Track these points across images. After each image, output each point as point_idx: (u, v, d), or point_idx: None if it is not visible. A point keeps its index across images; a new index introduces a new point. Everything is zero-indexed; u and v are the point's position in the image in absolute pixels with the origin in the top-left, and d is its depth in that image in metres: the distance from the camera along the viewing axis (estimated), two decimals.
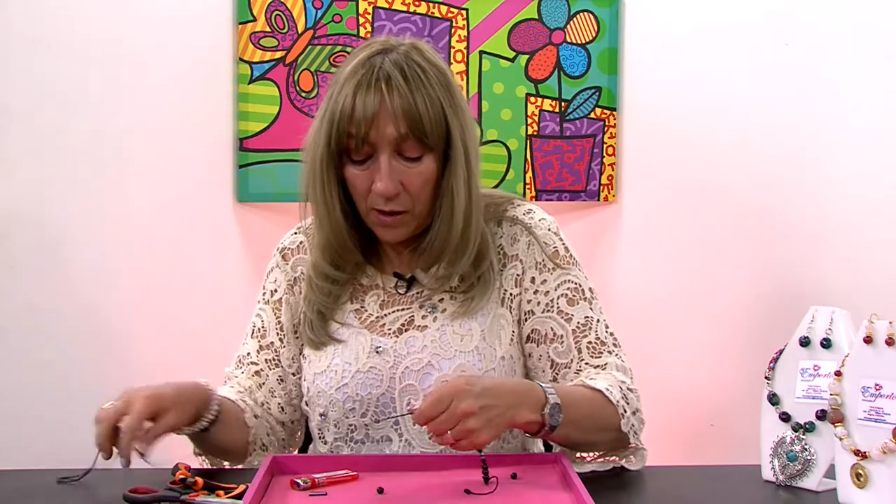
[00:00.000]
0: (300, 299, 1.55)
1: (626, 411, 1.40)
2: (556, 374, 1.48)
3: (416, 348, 1.46)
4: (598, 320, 1.49)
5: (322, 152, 1.41)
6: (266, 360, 1.54)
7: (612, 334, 1.50)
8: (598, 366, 1.46)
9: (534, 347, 1.49)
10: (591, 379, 1.42)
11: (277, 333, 1.55)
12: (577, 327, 1.48)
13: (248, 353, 1.56)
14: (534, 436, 1.38)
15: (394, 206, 1.41)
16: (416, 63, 1.40)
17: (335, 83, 1.42)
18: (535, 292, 1.49)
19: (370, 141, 1.38)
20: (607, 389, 1.39)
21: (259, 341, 1.55)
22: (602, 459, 1.44)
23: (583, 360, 1.47)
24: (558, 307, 1.48)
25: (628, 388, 1.43)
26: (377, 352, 1.47)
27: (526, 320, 1.50)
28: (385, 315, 1.50)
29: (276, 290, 1.57)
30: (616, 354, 1.48)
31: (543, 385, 1.34)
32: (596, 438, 1.41)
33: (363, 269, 1.53)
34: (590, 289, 1.51)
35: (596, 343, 1.47)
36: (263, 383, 1.54)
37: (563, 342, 1.47)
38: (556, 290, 1.49)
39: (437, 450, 1.40)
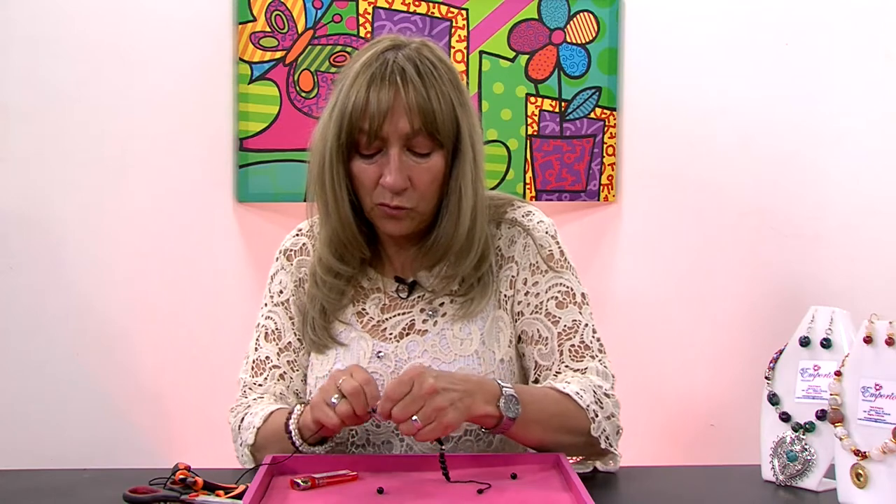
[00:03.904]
0: (305, 300, 1.54)
1: (597, 416, 1.39)
2: (538, 374, 1.47)
3: (416, 353, 1.46)
4: (585, 324, 1.48)
5: (332, 146, 1.40)
6: (288, 361, 1.53)
7: (598, 339, 1.49)
8: (577, 369, 1.46)
9: (524, 348, 1.50)
10: (565, 382, 1.41)
11: (295, 333, 1.54)
12: (563, 330, 1.47)
13: (268, 358, 1.54)
14: (492, 430, 1.35)
15: (400, 202, 1.41)
16: (427, 60, 1.41)
17: (344, 78, 1.41)
18: (527, 294, 1.49)
19: (382, 135, 1.38)
20: (577, 393, 1.38)
21: (276, 344, 1.54)
22: (582, 462, 1.43)
23: (563, 362, 1.46)
24: (546, 310, 1.48)
25: (604, 393, 1.42)
26: (378, 357, 1.47)
27: (516, 321, 1.50)
28: (386, 319, 1.50)
29: (282, 291, 1.56)
30: (599, 360, 1.47)
31: (499, 381, 1.34)
32: (562, 440, 1.38)
33: (365, 272, 1.53)
34: (582, 294, 1.50)
35: (579, 347, 1.47)
36: (289, 386, 1.53)
37: (547, 344, 1.47)
38: (546, 292, 1.49)
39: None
